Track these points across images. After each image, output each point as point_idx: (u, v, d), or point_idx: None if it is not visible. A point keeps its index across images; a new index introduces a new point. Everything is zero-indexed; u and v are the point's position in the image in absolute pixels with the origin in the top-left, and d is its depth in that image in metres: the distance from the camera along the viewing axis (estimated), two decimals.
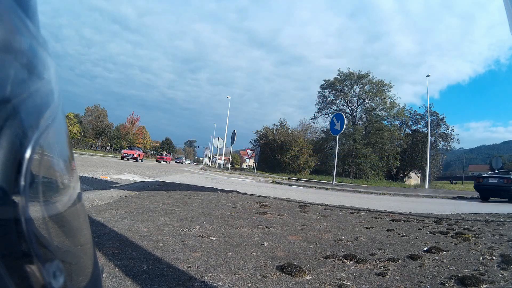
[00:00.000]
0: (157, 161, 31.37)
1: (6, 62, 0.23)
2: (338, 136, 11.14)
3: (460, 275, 1.36)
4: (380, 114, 27.34)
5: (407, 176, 27.99)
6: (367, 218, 2.96)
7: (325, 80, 29.44)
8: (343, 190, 8.55)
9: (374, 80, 27.15)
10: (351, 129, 26.20)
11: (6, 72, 0.22)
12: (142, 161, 22.07)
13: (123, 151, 23.24)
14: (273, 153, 24.73)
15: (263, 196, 4.42)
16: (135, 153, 22.08)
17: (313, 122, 29.95)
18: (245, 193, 4.57)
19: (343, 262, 1.50)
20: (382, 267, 1.44)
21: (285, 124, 26.68)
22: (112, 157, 24.28)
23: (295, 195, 5.72)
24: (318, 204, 3.98)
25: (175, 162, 46.92)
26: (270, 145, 25.30)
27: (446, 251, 1.79)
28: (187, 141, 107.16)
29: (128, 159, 20.99)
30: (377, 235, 2.21)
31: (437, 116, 25.97)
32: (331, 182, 11.11)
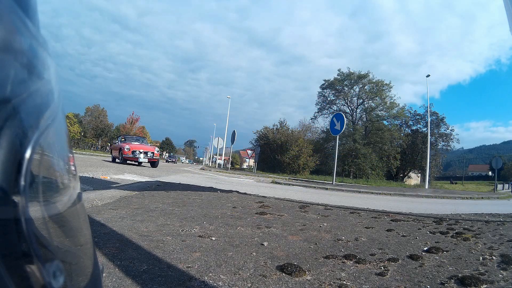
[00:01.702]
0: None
1: (6, 62, 0.23)
2: (338, 136, 11.14)
3: (460, 275, 1.36)
4: (380, 114, 27.41)
5: (407, 176, 28.01)
6: (367, 218, 2.96)
7: (325, 80, 29.52)
8: (343, 190, 8.55)
9: (374, 80, 27.20)
10: (351, 129, 26.23)
11: (6, 72, 0.22)
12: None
13: (125, 145, 12.00)
14: (273, 153, 24.73)
15: (263, 196, 4.42)
16: (153, 150, 12.29)
17: (313, 122, 30.03)
18: (245, 193, 4.57)
19: (343, 262, 1.50)
20: (382, 267, 1.44)
21: (285, 124, 26.73)
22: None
23: (295, 195, 5.72)
24: (318, 204, 3.98)
25: (167, 161, 41.94)
26: (270, 145, 25.30)
27: (446, 251, 1.79)
28: (187, 141, 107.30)
29: (135, 162, 12.04)
30: (377, 235, 2.20)
31: (437, 116, 26.04)
32: (331, 182, 11.11)
